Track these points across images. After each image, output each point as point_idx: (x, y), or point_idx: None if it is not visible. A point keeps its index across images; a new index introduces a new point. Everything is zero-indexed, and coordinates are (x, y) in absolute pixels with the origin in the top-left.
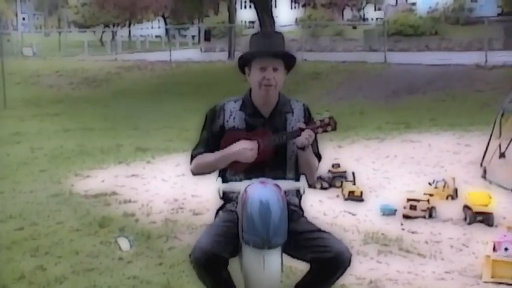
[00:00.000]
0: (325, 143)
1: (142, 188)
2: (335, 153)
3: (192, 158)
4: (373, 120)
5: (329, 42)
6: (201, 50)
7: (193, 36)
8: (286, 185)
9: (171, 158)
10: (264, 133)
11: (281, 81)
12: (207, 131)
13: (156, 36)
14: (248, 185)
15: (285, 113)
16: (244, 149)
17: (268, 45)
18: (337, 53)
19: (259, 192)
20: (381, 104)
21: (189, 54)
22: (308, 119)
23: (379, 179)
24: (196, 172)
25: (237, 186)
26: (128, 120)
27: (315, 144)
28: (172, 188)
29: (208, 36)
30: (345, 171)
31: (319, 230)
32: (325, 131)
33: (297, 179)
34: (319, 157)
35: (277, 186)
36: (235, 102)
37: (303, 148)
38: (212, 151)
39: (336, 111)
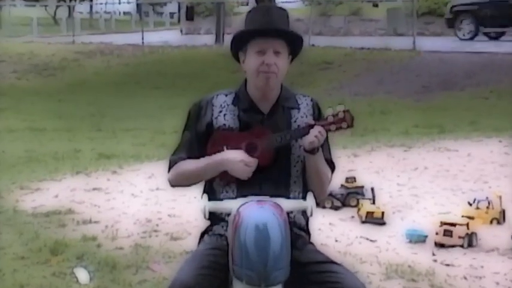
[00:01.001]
0: (338, 151)
1: (106, 205)
2: (350, 163)
3: (171, 165)
4: (398, 123)
5: (343, 23)
6: (181, 31)
7: (171, 14)
8: (290, 204)
9: (142, 167)
10: (262, 132)
11: (284, 68)
12: (190, 131)
13: (125, 14)
14: (241, 205)
15: (288, 109)
16: (240, 160)
17: (269, 23)
18: (353, 37)
19: (256, 214)
20: (408, 102)
21: (166, 36)
22: (317, 116)
23: (405, 196)
24: (175, 183)
25: (227, 205)
26: (89, 119)
27: (326, 148)
28: (145, 205)
29: (190, 14)
30: (362, 187)
31: (329, 262)
32: (339, 128)
33: (304, 194)
34: (332, 166)
35: (278, 206)
36: (226, 95)
37: (312, 151)
38: (196, 156)
39: (351, 110)
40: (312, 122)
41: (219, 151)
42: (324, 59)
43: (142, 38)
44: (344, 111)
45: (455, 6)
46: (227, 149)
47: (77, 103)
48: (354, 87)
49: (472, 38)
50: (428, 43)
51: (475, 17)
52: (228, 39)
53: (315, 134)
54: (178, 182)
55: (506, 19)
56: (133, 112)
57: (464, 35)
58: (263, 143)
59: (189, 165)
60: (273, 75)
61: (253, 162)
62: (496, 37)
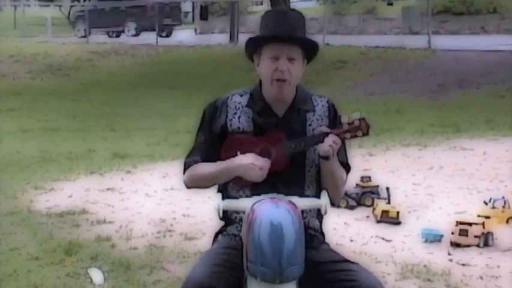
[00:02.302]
0: (353, 150)
1: (120, 205)
2: (365, 163)
3: (186, 167)
4: (413, 122)
5: (358, 22)
6: (195, 31)
7: (185, 14)
8: (304, 202)
9: (157, 167)
10: (276, 137)
11: (298, 75)
12: (204, 133)
13: None
14: (255, 203)
15: (304, 112)
16: (253, 165)
17: (284, 27)
18: (367, 35)
19: (270, 211)
20: (423, 100)
21: (180, 36)
22: (333, 118)
23: (420, 196)
24: (190, 185)
25: (242, 204)
26: (103, 118)
27: (342, 151)
28: (159, 205)
29: (204, 13)
30: (377, 186)
31: (345, 261)
32: (354, 136)
33: (318, 196)
34: (347, 168)
35: (293, 204)
36: (241, 96)
37: (326, 157)
38: (211, 158)
39: (366, 110)
40: (327, 130)
41: (232, 155)
42: (339, 58)
43: (157, 38)
44: (360, 120)
45: None
46: (240, 153)
47: (91, 103)
48: (369, 86)
49: None
50: (444, 41)
51: None
52: (242, 38)
53: (330, 144)
54: (193, 185)
55: None
56: (147, 112)
57: None
58: (277, 149)
59: (204, 169)
60: (286, 84)
61: (265, 165)
62: None
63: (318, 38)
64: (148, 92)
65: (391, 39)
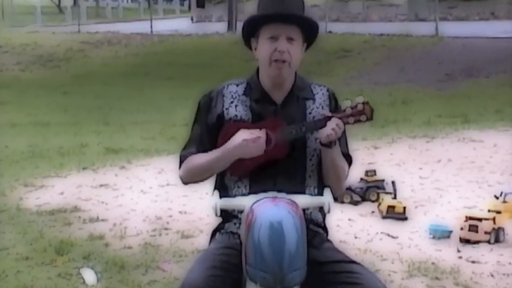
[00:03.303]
0: (357, 143)
1: (114, 202)
2: (370, 156)
3: (181, 160)
4: (420, 113)
5: (362, 8)
6: (192, 19)
7: (181, 1)
8: (306, 201)
9: (152, 162)
10: (275, 124)
11: (297, 57)
12: (200, 124)
13: (133, 1)
14: (255, 202)
15: (303, 99)
16: (246, 140)
17: (282, 7)
18: (372, 23)
19: (270, 211)
20: (430, 90)
21: (176, 24)
22: (334, 108)
23: (428, 190)
24: (187, 179)
25: (240, 202)
26: (95, 112)
27: (343, 141)
28: (154, 201)
29: (201, 1)
30: (382, 180)
31: (349, 261)
32: (358, 120)
33: (320, 189)
34: (349, 159)
35: (294, 203)
36: (237, 85)
37: (329, 144)
38: (207, 150)
39: (371, 100)
40: (329, 114)
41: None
42: (342, 47)
43: (151, 27)
44: (363, 103)
45: None
46: None
47: (83, 95)
48: (374, 76)
49: None
50: (452, 28)
51: None
52: (241, 26)
53: (332, 127)
54: (190, 178)
55: None
56: (142, 104)
57: None
58: (277, 135)
59: (199, 159)
60: (285, 65)
61: (259, 136)
62: None
63: (320, 26)
64: (143, 83)
65: (397, 26)
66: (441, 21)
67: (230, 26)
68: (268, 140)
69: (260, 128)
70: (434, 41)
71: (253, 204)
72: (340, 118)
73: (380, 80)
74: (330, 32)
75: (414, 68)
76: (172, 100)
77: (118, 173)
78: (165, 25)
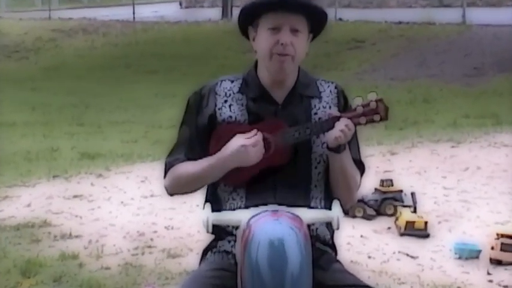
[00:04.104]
0: (370, 147)
1: (89, 215)
2: (386, 163)
3: (167, 168)
4: (444, 113)
5: None
6: (180, 4)
7: None
8: (311, 215)
9: (134, 169)
10: (276, 126)
11: (302, 50)
12: (189, 126)
13: None
14: (252, 217)
15: (308, 98)
16: (243, 146)
17: None
18: (389, 9)
19: (270, 227)
20: (456, 87)
21: (162, 10)
22: (343, 107)
23: (453, 203)
24: (173, 190)
25: (235, 217)
26: (69, 110)
27: (354, 146)
28: (136, 215)
29: None
30: (400, 191)
31: (361, 285)
32: (371, 120)
33: (327, 201)
34: (361, 167)
35: (297, 218)
36: (232, 82)
37: (337, 149)
38: (197, 156)
39: (387, 98)
40: (337, 114)
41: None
42: (354, 37)
43: (134, 13)
44: (376, 101)
45: None
46: None
47: (54, 91)
48: (390, 70)
49: None
50: (481, 15)
51: None
52: (237, 13)
53: (341, 128)
54: (176, 189)
55: None
56: (122, 102)
57: None
58: (277, 138)
59: (189, 167)
60: (288, 59)
61: (257, 139)
62: None
63: (329, 13)
64: (123, 78)
65: (418, 13)
66: (469, 7)
67: (225, 13)
68: (267, 145)
69: (258, 129)
70: (460, 29)
71: (251, 219)
72: (350, 118)
73: (398, 75)
74: (340, 19)
75: (437, 61)
76: (157, 97)
77: (94, 181)
78: (150, 11)
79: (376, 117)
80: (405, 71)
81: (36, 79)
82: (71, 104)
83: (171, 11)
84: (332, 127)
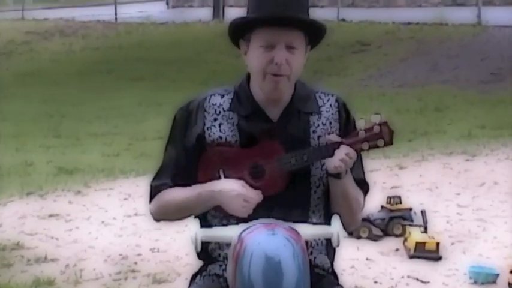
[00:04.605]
0: (376, 161)
1: (67, 236)
2: (393, 178)
3: (153, 193)
4: (458, 122)
5: None
6: (167, 3)
7: None
8: (309, 230)
9: (116, 185)
10: (271, 149)
11: (298, 68)
12: (175, 147)
13: None
14: (245, 230)
15: (306, 115)
16: (237, 192)
17: (281, 7)
18: (397, 8)
19: (264, 241)
20: (471, 94)
21: (148, 10)
22: (346, 122)
23: (468, 222)
24: (159, 217)
25: (226, 232)
26: (44, 121)
27: (358, 165)
28: (119, 236)
29: None
30: (409, 209)
31: None
32: (374, 146)
33: (327, 223)
34: (365, 187)
35: (294, 231)
36: (222, 96)
37: (337, 175)
38: (185, 180)
39: (395, 107)
40: (338, 139)
41: (214, 175)
42: (358, 39)
43: (116, 13)
44: (380, 124)
45: None
46: (224, 173)
47: (28, 100)
48: (399, 75)
49: None
50: (499, 15)
51: None
52: (229, 13)
53: (341, 157)
54: (162, 216)
55: None
56: (104, 111)
57: None
58: (272, 165)
59: (176, 195)
60: (284, 79)
61: (254, 198)
62: None
63: (331, 13)
64: (105, 85)
65: (428, 12)
66: (485, 6)
67: (216, 13)
68: (261, 172)
69: (251, 154)
70: (476, 31)
71: (243, 231)
72: (351, 145)
73: (407, 81)
74: (343, 20)
75: (450, 66)
76: (142, 106)
77: (72, 199)
78: (134, 10)
79: (380, 143)
80: (415, 77)
81: (8, 86)
82: (46, 114)
83: (157, 11)
84: (332, 154)
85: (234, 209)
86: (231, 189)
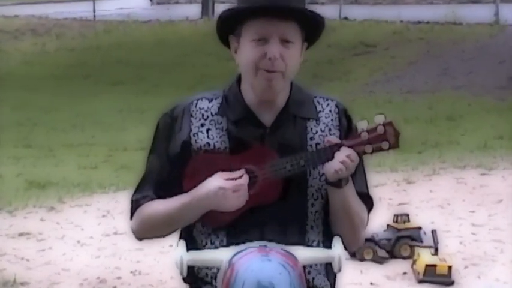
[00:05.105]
0: (382, 174)
1: (39, 257)
2: (401, 194)
3: (134, 207)
4: (472, 132)
5: None
6: None
7: None
8: (307, 254)
9: (93, 201)
10: (263, 155)
11: (295, 63)
12: (158, 156)
13: None
14: (235, 254)
15: (303, 120)
16: (222, 189)
17: None
18: (405, 6)
19: (257, 267)
20: (487, 101)
21: (129, 6)
22: (346, 130)
23: (483, 242)
24: (141, 234)
25: (215, 256)
26: (13, 130)
27: (360, 176)
28: (96, 257)
29: None
30: (418, 229)
31: None
32: (378, 149)
33: (326, 244)
34: (369, 202)
35: (290, 256)
36: (210, 101)
37: (338, 183)
38: (170, 192)
39: (403, 115)
40: (338, 141)
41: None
42: (363, 40)
43: (94, 10)
44: (384, 125)
45: None
46: None
47: None
48: (407, 80)
49: None
50: None
51: None
52: (220, 10)
53: (342, 160)
54: (145, 233)
55: None
56: (80, 119)
57: None
58: (265, 171)
59: (159, 208)
60: (277, 75)
61: (242, 183)
62: None
63: (332, 10)
64: (81, 90)
65: (441, 10)
66: (503, 3)
67: (205, 10)
68: (252, 179)
69: (242, 161)
70: (493, 31)
71: (234, 256)
72: (352, 146)
73: (416, 87)
74: (346, 18)
75: (464, 70)
76: (122, 113)
77: (45, 216)
78: (114, 7)
79: (385, 145)
80: (425, 82)
81: None
82: (16, 122)
83: (139, 8)
84: (331, 158)
85: (230, 205)
86: (216, 188)
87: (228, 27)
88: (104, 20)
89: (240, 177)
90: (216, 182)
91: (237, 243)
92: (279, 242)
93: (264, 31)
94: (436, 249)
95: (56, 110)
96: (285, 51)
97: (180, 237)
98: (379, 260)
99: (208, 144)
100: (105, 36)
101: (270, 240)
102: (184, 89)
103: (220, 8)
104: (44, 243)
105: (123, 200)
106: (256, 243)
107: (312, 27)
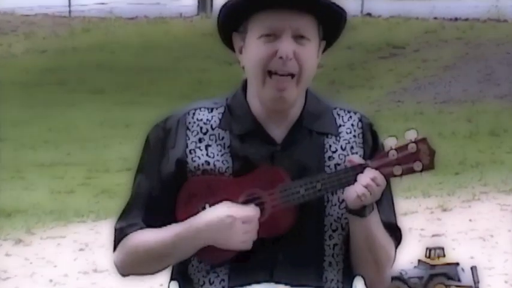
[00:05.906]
0: (412, 200)
1: None
2: (434, 223)
3: (119, 237)
4: None
5: None
6: None
7: None
8: None
9: (69, 232)
10: (273, 177)
11: (311, 64)
12: (148, 176)
13: None
14: None
15: (320, 135)
16: (230, 217)
17: None
18: (439, 1)
19: None
20: None
21: (112, 0)
22: (372, 147)
23: None
24: (126, 269)
25: None
26: None
27: (387, 203)
28: None
29: None
30: (455, 265)
31: None
32: (409, 171)
33: (347, 284)
34: (397, 234)
35: None
36: (210, 111)
37: (360, 211)
38: (160, 220)
39: (437, 129)
40: (362, 161)
41: (196, 212)
42: (389, 40)
43: (70, 5)
44: (416, 142)
45: None
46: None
47: None
48: (442, 88)
49: None
50: None
51: None
52: (219, 5)
53: (366, 183)
54: (130, 268)
55: None
56: (53, 134)
57: None
58: (275, 196)
59: (147, 238)
60: (290, 81)
61: (252, 215)
62: None
63: (353, 4)
64: (55, 99)
65: (481, 6)
66: None
67: (202, 6)
68: (260, 207)
69: (247, 185)
70: None
71: None
72: (378, 168)
73: (452, 95)
74: (369, 14)
75: (510, 75)
76: (103, 127)
77: (11, 250)
78: (93, 1)
79: (417, 166)
80: (463, 90)
81: None
82: None
83: (123, 2)
84: (353, 181)
85: (235, 241)
86: (221, 216)
87: (231, 22)
88: (81, 16)
89: (252, 210)
90: (223, 209)
91: (241, 285)
92: (291, 284)
93: (274, 25)
94: None
95: (24, 123)
96: (299, 49)
97: (172, 275)
98: None
99: (208, 163)
100: (83, 35)
101: (280, 282)
102: (177, 98)
103: (219, 3)
104: (10, 282)
105: (104, 230)
106: (264, 285)
107: (331, 22)
